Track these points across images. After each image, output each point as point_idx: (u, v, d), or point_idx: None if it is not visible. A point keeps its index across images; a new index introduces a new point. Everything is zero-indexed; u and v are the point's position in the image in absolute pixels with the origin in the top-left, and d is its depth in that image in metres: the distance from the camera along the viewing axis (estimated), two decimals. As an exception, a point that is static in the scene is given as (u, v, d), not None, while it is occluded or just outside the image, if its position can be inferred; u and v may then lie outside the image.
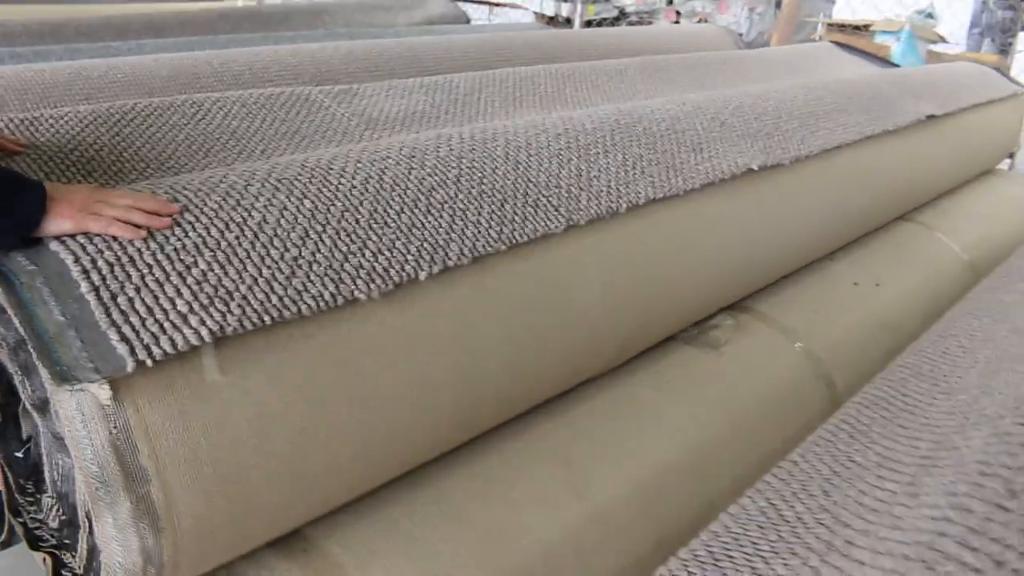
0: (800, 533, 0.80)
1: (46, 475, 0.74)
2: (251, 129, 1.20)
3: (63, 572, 0.79)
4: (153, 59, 1.63)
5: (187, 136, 1.14)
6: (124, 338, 0.64)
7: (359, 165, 0.90)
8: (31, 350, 0.64)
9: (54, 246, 0.68)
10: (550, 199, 1.00)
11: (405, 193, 0.89)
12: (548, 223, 0.98)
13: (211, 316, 0.68)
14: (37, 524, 0.80)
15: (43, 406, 0.69)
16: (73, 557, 0.76)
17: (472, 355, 0.89)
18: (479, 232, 0.90)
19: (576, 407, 1.10)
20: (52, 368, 0.61)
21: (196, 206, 0.77)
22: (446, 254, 0.86)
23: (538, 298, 0.96)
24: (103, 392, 0.62)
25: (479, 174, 0.97)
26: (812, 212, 1.47)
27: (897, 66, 2.66)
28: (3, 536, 1.22)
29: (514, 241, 0.93)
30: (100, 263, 0.68)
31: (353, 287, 0.77)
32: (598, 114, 1.24)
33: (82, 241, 0.69)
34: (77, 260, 0.67)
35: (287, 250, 0.76)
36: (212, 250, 0.73)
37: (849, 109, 1.66)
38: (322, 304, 0.75)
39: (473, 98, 1.53)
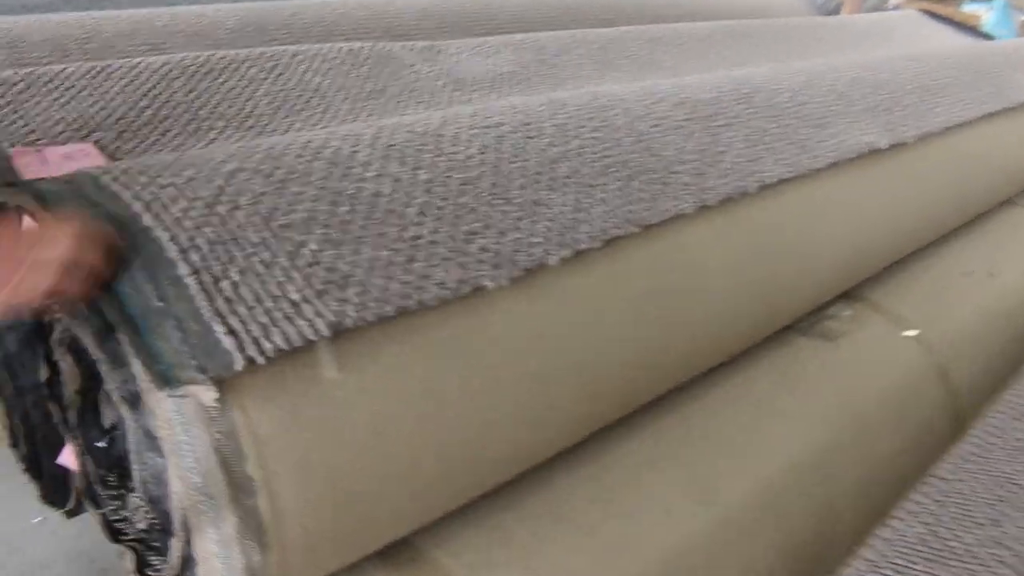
0: (978, 573, 0.70)
1: (134, 473, 0.65)
2: (334, 86, 1.10)
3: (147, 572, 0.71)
4: (216, 8, 1.53)
5: (266, 92, 1.04)
6: (231, 330, 0.54)
7: (473, 132, 0.79)
8: (123, 340, 0.54)
9: (147, 219, 0.58)
10: (678, 176, 0.89)
11: (526, 165, 0.78)
12: (678, 202, 0.87)
13: (327, 305, 0.58)
14: (119, 519, 0.72)
15: (134, 400, 0.60)
16: (161, 560, 0.68)
17: (597, 346, 0.78)
18: (608, 211, 0.79)
19: (692, 402, 0.99)
20: (151, 366, 0.52)
21: (301, 174, 0.67)
22: (575, 236, 0.75)
23: (667, 284, 0.85)
24: (208, 394, 0.53)
25: (602, 145, 0.86)
26: (932, 194, 1.35)
27: (991, 37, 2.50)
28: (71, 506, 1.15)
29: (645, 222, 0.82)
30: (200, 241, 0.58)
31: (479, 272, 0.67)
32: (713, 82, 1.13)
33: (177, 212, 0.59)
34: (174, 237, 0.57)
35: (405, 229, 0.66)
36: (324, 227, 0.63)
37: (964, 83, 1.53)
38: (446, 292, 0.65)
39: (562, 59, 1.41)
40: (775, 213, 1.01)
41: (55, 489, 1.22)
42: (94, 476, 0.73)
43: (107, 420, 0.70)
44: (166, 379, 0.51)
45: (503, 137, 0.80)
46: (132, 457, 0.64)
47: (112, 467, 0.70)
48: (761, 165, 1.00)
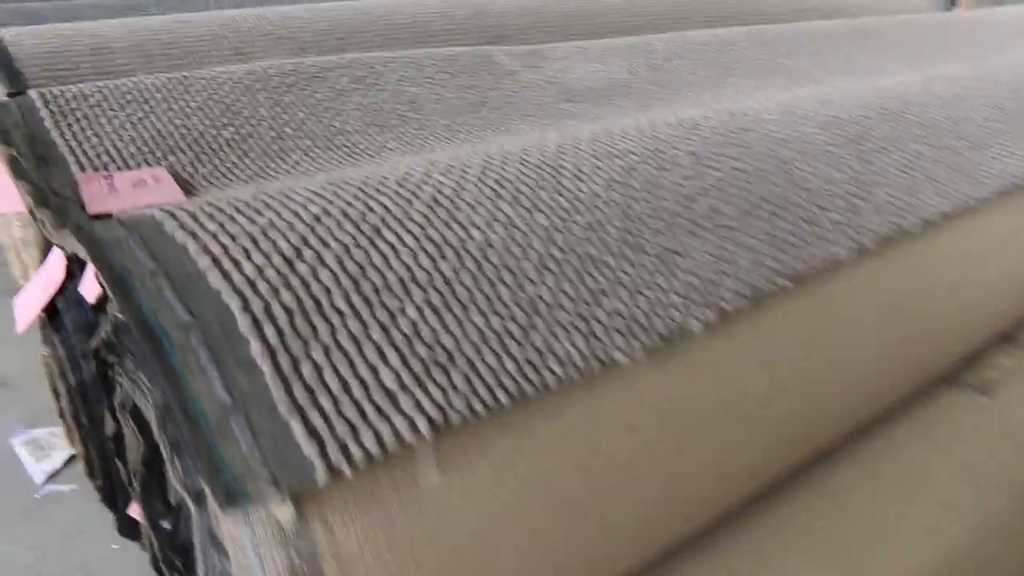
0: None
1: (199, 571, 0.56)
2: (431, 98, 0.99)
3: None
4: (306, 9, 1.44)
5: (357, 105, 0.94)
6: (312, 431, 0.44)
7: (596, 163, 0.67)
8: (185, 439, 0.44)
9: (214, 280, 0.48)
10: (828, 213, 0.76)
11: (661, 205, 0.66)
12: (830, 246, 0.73)
13: (429, 395, 0.47)
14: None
15: (197, 497, 0.50)
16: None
17: (739, 423, 0.66)
18: (754, 261, 0.67)
19: (827, 469, 0.86)
20: (213, 476, 0.41)
21: (395, 219, 0.56)
22: (719, 293, 0.63)
23: (817, 344, 0.72)
24: (284, 512, 0.42)
25: (744, 178, 0.73)
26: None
27: None
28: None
29: (795, 272, 0.69)
30: (276, 310, 0.47)
31: (608, 343, 0.55)
32: (856, 97, 0.98)
33: (250, 272, 0.49)
34: (246, 305, 0.47)
35: (521, 289, 0.54)
36: (424, 289, 0.52)
37: None
38: (571, 370, 0.53)
39: (675, 65, 1.28)
40: (936, 252, 0.87)
41: (132, 523, 1.15)
42: (159, 554, 0.63)
43: (174, 497, 0.60)
44: (232, 494, 0.40)
45: (632, 169, 0.68)
46: (197, 553, 0.55)
47: (176, 551, 0.61)
48: (921, 197, 0.85)
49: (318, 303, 0.48)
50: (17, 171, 0.75)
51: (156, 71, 1.19)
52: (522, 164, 0.64)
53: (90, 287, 0.79)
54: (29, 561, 1.24)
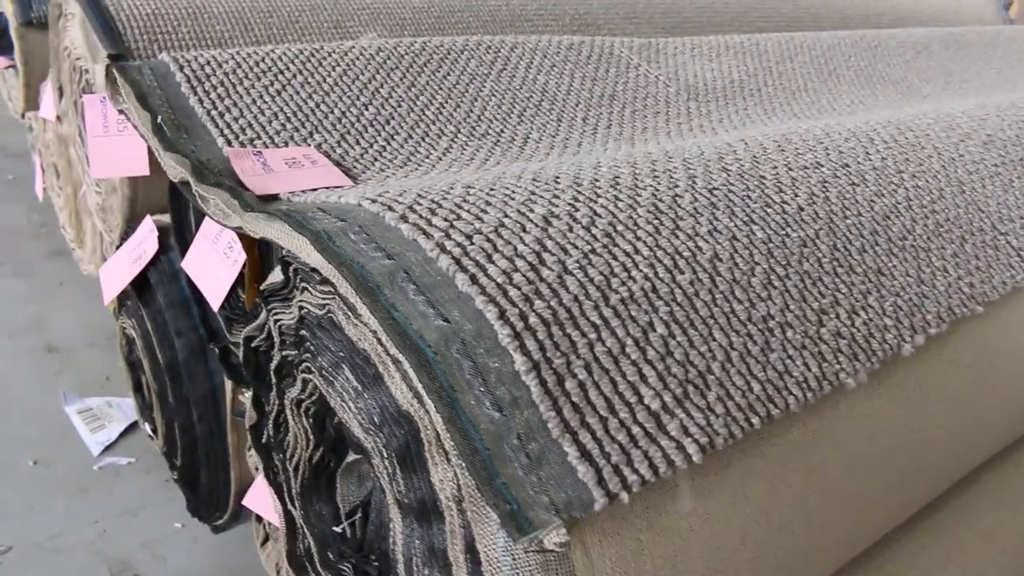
0: None
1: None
2: (562, 88, 0.96)
3: None
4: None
5: (492, 91, 0.90)
6: (585, 454, 0.41)
7: (793, 174, 0.64)
8: (464, 459, 0.41)
9: (462, 282, 0.45)
10: (1006, 237, 0.73)
11: (860, 221, 0.63)
12: (1013, 272, 0.70)
13: (692, 417, 0.44)
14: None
15: (420, 513, 0.47)
16: None
17: (921, 448, 0.63)
18: (949, 284, 0.64)
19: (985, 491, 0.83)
20: (498, 502, 0.38)
21: (625, 227, 0.52)
22: (924, 316, 0.60)
23: (998, 369, 0.69)
24: (556, 537, 0.39)
25: (928, 197, 0.70)
26: None
27: None
28: (224, 520, 1.06)
29: (985, 296, 0.66)
30: (533, 320, 0.44)
31: (837, 365, 0.52)
32: (1006, 112, 0.95)
33: (497, 276, 0.46)
34: (503, 313, 0.44)
35: (753, 306, 0.52)
36: (667, 302, 0.49)
37: None
38: (808, 393, 0.50)
39: (787, 67, 1.24)
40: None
41: (207, 504, 1.12)
42: (318, 555, 0.60)
43: (347, 502, 0.57)
44: (520, 524, 0.37)
45: (827, 183, 0.65)
46: (399, 564, 0.51)
47: (346, 556, 0.58)
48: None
49: (571, 314, 0.45)
50: (164, 142, 0.72)
51: (255, 40, 1.16)
52: (725, 172, 0.61)
53: (235, 264, 0.76)
54: (91, 537, 1.21)
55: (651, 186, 0.56)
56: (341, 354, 0.49)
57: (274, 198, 0.64)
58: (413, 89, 0.86)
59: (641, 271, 0.48)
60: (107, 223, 1.28)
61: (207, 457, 1.06)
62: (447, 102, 0.85)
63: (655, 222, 0.52)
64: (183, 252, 0.96)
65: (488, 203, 0.51)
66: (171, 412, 1.07)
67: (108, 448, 1.43)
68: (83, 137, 1.27)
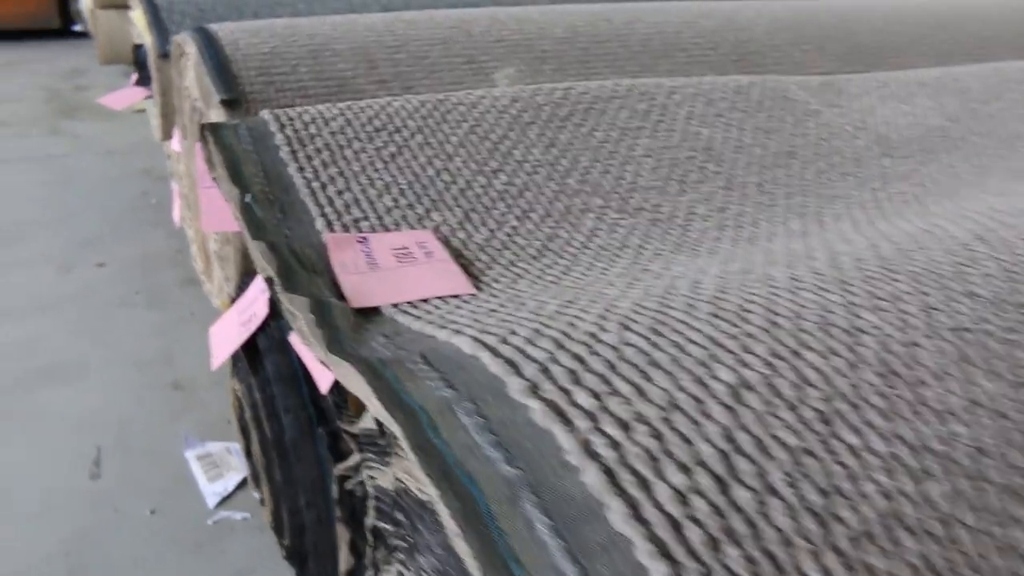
0: None
1: None
2: (730, 143, 0.79)
3: None
4: (540, 11, 1.27)
5: (646, 149, 0.75)
6: None
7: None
8: None
9: (631, 532, 0.30)
10: None
11: None
12: None
13: None
14: None
15: None
16: None
17: None
18: None
19: None
20: None
21: (846, 401, 0.36)
22: None
23: None
24: None
25: None
26: None
27: None
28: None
29: None
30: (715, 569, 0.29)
31: None
32: None
33: (674, 512, 0.31)
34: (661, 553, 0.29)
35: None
36: (916, 535, 0.32)
37: None
38: None
39: (994, 109, 1.04)
40: None
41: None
42: None
43: None
44: None
45: None
46: None
47: None
48: None
49: (782, 569, 0.29)
50: (253, 226, 0.60)
51: (381, 79, 1.05)
52: (971, 298, 0.44)
53: (325, 379, 0.64)
54: (200, 600, 1.13)
55: (875, 328, 0.40)
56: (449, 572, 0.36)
57: (374, 313, 0.51)
58: (553, 150, 0.72)
59: (878, 483, 0.32)
60: (224, 272, 1.20)
61: (315, 546, 0.96)
62: (593, 166, 0.71)
63: (888, 390, 0.36)
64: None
65: (653, 362, 0.36)
66: (279, 491, 0.97)
67: (224, 499, 1.36)
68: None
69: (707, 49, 1.25)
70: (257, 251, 0.58)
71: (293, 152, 0.69)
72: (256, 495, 1.14)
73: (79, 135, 2.86)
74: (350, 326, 0.46)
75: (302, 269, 0.55)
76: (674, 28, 1.26)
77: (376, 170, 0.67)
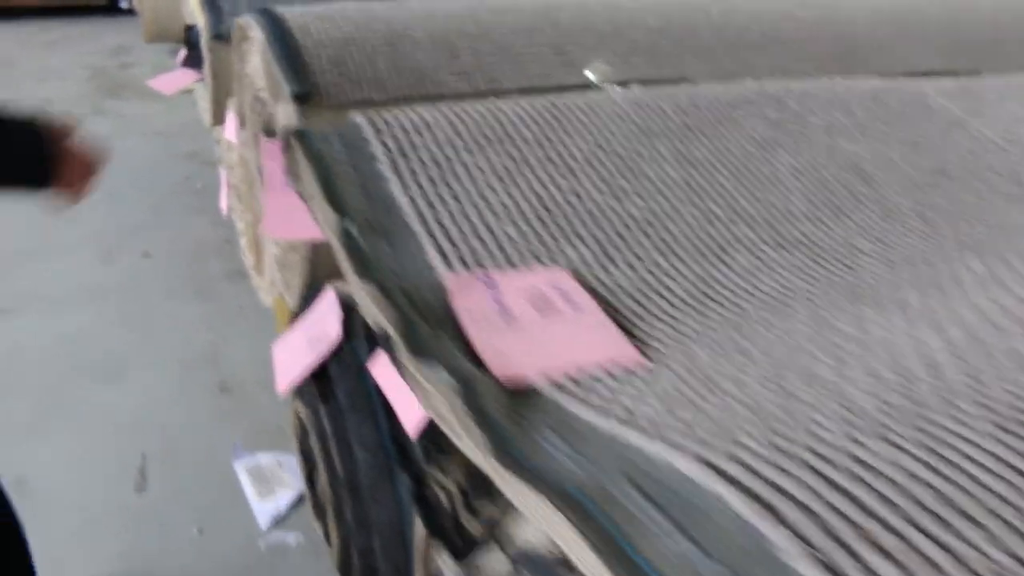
0: None
1: None
2: (878, 160, 0.70)
3: None
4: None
5: (790, 168, 0.66)
6: None
7: None
8: None
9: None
10: None
11: None
12: None
13: None
14: None
15: None
16: None
17: None
18: None
19: None
20: None
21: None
22: None
23: None
24: None
25: None
26: None
27: None
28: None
29: None
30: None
31: None
32: None
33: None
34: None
35: None
36: None
37: None
38: None
39: None
40: None
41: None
42: None
43: None
44: None
45: None
46: None
47: None
48: None
49: None
50: (358, 261, 0.51)
51: (462, 70, 0.95)
52: None
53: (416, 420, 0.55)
54: (253, 629, 1.06)
55: None
56: None
57: (523, 383, 0.42)
58: (689, 168, 0.63)
59: None
60: (285, 280, 1.11)
61: (386, 590, 0.88)
62: (737, 189, 0.62)
63: None
64: (372, 343, 0.76)
65: (949, 501, 0.27)
66: (348, 531, 0.88)
67: (278, 520, 1.28)
68: (262, 176, 1.12)
69: (806, 39, 1.15)
70: (366, 295, 0.49)
71: (394, 165, 0.60)
72: (318, 529, 1.06)
73: (123, 115, 2.79)
74: (503, 412, 0.37)
75: (421, 319, 0.46)
76: (772, 20, 1.16)
77: (493, 190, 0.58)
